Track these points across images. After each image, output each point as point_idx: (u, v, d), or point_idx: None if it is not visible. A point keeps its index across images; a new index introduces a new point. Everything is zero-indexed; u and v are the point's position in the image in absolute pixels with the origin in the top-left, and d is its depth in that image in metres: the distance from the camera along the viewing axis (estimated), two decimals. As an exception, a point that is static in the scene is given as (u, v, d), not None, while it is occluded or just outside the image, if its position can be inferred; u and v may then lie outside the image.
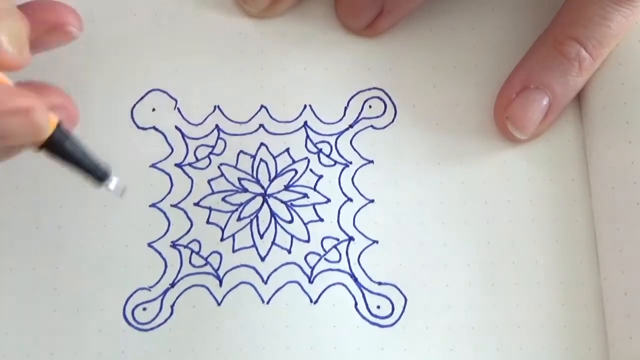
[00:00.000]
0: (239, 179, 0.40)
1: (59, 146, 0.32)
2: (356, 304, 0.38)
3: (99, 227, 0.39)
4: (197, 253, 0.39)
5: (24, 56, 0.32)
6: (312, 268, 0.39)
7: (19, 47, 0.32)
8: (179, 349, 0.37)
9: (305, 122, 0.41)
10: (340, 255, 0.39)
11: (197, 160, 0.40)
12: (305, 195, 0.40)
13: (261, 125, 0.41)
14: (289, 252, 0.39)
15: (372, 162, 0.41)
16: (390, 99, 0.42)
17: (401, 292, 0.38)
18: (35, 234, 0.39)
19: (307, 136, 0.41)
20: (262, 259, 0.39)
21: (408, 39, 0.42)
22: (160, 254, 0.39)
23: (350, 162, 0.40)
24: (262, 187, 0.40)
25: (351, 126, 0.41)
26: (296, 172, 0.40)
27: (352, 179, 0.40)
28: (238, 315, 0.38)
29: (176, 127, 0.41)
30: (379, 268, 0.39)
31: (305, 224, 0.39)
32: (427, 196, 0.40)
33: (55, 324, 0.38)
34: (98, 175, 0.34)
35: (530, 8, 0.43)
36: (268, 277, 0.38)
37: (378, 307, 0.38)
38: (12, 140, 0.31)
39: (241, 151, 0.40)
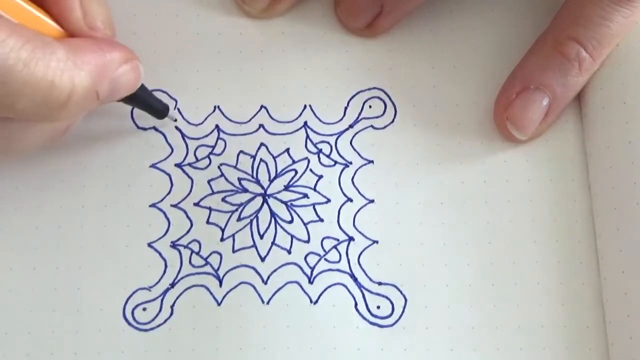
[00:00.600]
0: (239, 179, 0.40)
1: (138, 94, 0.37)
2: (356, 304, 0.38)
3: (99, 227, 0.39)
4: (197, 253, 0.39)
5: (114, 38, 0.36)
6: (312, 268, 0.39)
7: (111, 30, 0.36)
8: (179, 349, 0.37)
9: (305, 122, 0.41)
10: (340, 255, 0.39)
11: (197, 160, 0.40)
12: (305, 196, 0.40)
13: (261, 126, 0.41)
14: (289, 252, 0.39)
15: (372, 162, 0.41)
16: (390, 99, 0.42)
17: (401, 292, 0.38)
18: (35, 234, 0.39)
19: (307, 136, 0.41)
20: (262, 259, 0.39)
21: (408, 39, 0.42)
22: (160, 254, 0.39)
23: (350, 162, 0.40)
24: (262, 187, 0.40)
25: (351, 126, 0.41)
26: (296, 172, 0.40)
27: (352, 179, 0.40)
28: (238, 316, 0.38)
29: (176, 127, 0.41)
30: (379, 268, 0.39)
31: (305, 224, 0.39)
32: (427, 196, 0.40)
33: (55, 324, 0.38)
34: (161, 111, 0.39)
35: (530, 8, 0.43)
36: (268, 278, 0.38)
37: (378, 307, 0.38)
38: (122, 92, 0.36)
39: (241, 151, 0.40)
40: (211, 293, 0.38)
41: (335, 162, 0.40)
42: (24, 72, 0.29)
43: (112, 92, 0.34)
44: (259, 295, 0.38)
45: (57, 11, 0.34)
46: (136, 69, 0.36)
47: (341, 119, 0.41)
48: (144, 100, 0.38)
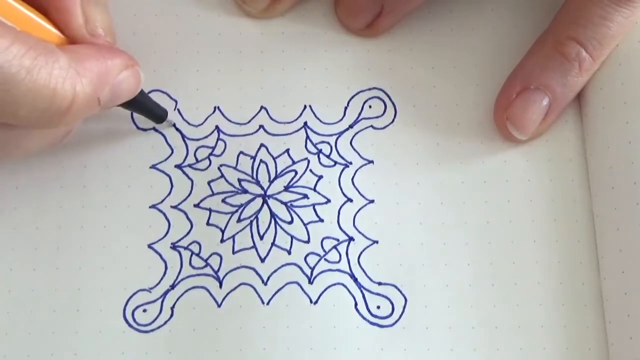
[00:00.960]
0: (239, 180, 0.40)
1: (138, 99, 0.37)
2: (356, 304, 0.38)
3: (99, 228, 0.39)
4: (197, 254, 0.39)
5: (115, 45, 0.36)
6: (312, 269, 0.39)
7: (112, 37, 0.36)
8: (179, 351, 0.37)
9: (305, 123, 0.41)
10: (340, 255, 0.39)
11: (197, 161, 0.40)
12: (305, 196, 0.40)
13: (261, 126, 0.41)
14: (289, 252, 0.39)
15: (372, 162, 0.41)
16: (390, 99, 0.42)
17: (401, 292, 0.39)
18: (35, 234, 0.39)
19: (307, 137, 0.41)
20: (262, 260, 0.39)
21: (408, 39, 0.42)
22: (160, 255, 0.39)
23: (350, 163, 0.40)
24: (262, 188, 0.40)
25: (351, 126, 0.41)
26: (296, 172, 0.40)
27: (352, 179, 0.40)
28: (238, 317, 0.38)
29: (176, 128, 0.41)
30: (379, 268, 0.39)
31: (305, 225, 0.39)
32: (427, 196, 0.40)
33: (55, 324, 0.38)
34: (160, 115, 0.40)
35: (530, 8, 0.43)
36: (268, 278, 0.38)
37: (378, 307, 0.38)
38: (122, 98, 0.36)
39: (241, 152, 0.40)
40: (211, 294, 0.38)
41: (335, 163, 0.40)
42: (27, 80, 0.29)
43: (113, 98, 0.35)
44: (259, 296, 0.38)
45: (59, 18, 0.34)
46: (136, 74, 0.36)
47: (341, 119, 0.41)
48: (143, 105, 0.39)
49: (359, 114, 0.41)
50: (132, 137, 0.40)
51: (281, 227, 0.39)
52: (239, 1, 0.42)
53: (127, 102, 0.37)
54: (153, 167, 0.40)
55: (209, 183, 0.40)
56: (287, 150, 0.40)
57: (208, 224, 0.39)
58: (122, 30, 0.42)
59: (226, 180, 0.40)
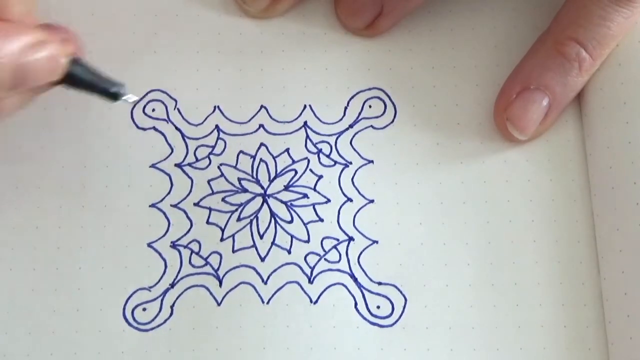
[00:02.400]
0: (239, 179, 0.40)
1: (76, 77, 0.35)
2: (356, 304, 0.38)
3: (99, 227, 0.39)
4: (197, 253, 0.39)
5: (32, 16, 0.34)
6: (312, 268, 0.39)
7: (28, 6, 0.33)
8: (179, 350, 0.37)
9: (305, 122, 0.41)
10: (340, 255, 0.39)
11: (197, 160, 0.40)
12: (305, 196, 0.40)
13: (261, 126, 0.41)
14: (289, 252, 0.39)
15: (372, 162, 0.41)
16: (390, 99, 0.42)
17: (401, 292, 0.39)
18: (35, 234, 0.39)
19: (307, 136, 0.41)
20: (262, 259, 0.39)
21: (408, 39, 0.42)
22: (160, 254, 0.39)
23: (350, 162, 0.40)
24: (262, 187, 0.40)
25: (351, 126, 0.41)
26: (296, 172, 0.40)
27: (352, 179, 0.40)
28: (238, 316, 0.38)
29: (176, 128, 0.41)
30: (379, 268, 0.39)
31: (305, 224, 0.39)
32: (427, 196, 0.40)
33: (55, 324, 0.38)
34: (113, 93, 0.35)
35: (530, 8, 0.43)
36: (268, 278, 0.38)
37: (378, 307, 0.38)
38: (37, 80, 0.33)
39: (241, 151, 0.40)
40: (211, 293, 0.38)
41: (335, 162, 0.40)
42: None
43: (20, 79, 0.32)
44: (258, 295, 0.38)
45: None
46: (51, 53, 0.33)
47: (341, 119, 0.41)
48: (85, 84, 0.35)
49: (359, 113, 0.41)
50: (132, 136, 0.40)
51: (281, 227, 0.39)
52: (239, 1, 0.42)
53: (67, 82, 0.35)
54: (153, 166, 0.40)
55: (208, 182, 0.40)
56: (287, 150, 0.40)
57: (208, 222, 0.39)
58: (122, 30, 0.42)
59: (226, 179, 0.40)
